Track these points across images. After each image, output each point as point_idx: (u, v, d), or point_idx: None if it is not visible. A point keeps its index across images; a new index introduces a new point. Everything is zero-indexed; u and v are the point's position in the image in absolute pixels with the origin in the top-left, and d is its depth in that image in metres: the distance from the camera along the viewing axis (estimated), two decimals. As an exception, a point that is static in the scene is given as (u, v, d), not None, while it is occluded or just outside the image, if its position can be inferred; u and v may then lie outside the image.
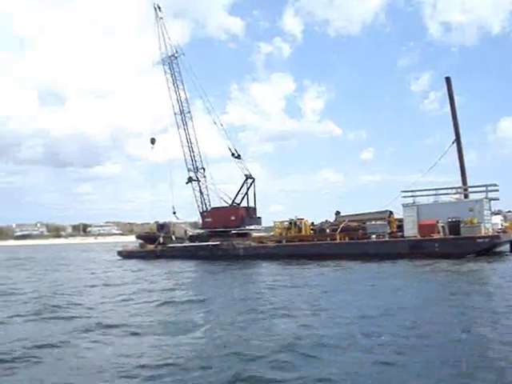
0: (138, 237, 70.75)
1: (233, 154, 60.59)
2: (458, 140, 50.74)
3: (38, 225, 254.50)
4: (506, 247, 44.71)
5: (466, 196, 48.00)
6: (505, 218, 51.98)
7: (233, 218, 58.71)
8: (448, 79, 51.83)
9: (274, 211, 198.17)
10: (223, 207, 61.03)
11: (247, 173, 60.03)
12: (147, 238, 66.67)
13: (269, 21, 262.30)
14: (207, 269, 43.50)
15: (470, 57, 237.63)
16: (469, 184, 49.74)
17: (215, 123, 61.96)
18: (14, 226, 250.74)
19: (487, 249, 41.59)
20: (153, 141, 65.50)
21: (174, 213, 66.02)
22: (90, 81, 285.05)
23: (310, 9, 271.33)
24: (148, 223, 75.59)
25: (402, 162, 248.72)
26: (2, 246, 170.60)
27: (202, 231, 65.71)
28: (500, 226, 46.43)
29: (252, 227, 61.22)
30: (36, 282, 35.67)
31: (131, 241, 78.64)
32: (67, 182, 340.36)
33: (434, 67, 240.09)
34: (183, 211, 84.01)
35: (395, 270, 34.20)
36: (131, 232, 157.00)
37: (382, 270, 34.06)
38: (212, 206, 62.93)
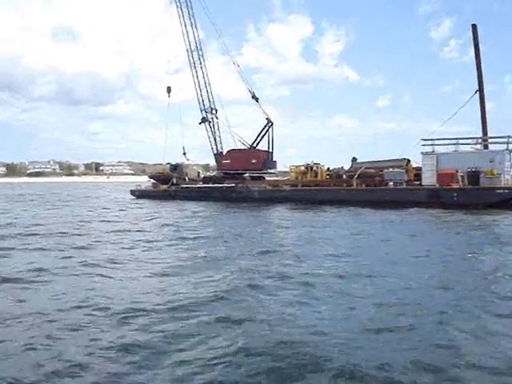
0: (151, 177, 70.73)
1: (253, 96, 59.92)
2: (480, 90, 49.73)
3: (51, 162, 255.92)
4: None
5: (485, 147, 47.46)
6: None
7: (254, 160, 58.45)
8: (474, 27, 50.32)
9: (287, 155, 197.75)
10: (243, 149, 60.67)
11: (267, 116, 59.49)
12: (160, 178, 66.66)
13: None
14: (224, 210, 43.72)
15: (493, 3, 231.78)
16: (489, 135, 49.14)
17: (234, 63, 61.40)
18: (26, 163, 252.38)
19: (506, 200, 41.42)
20: (169, 89, 64.83)
21: (185, 154, 66.11)
22: (104, 18, 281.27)
23: None
24: (160, 164, 75.42)
25: (418, 109, 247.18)
26: (16, 183, 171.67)
27: (215, 173, 65.83)
28: (519, 178, 46.03)
29: (272, 171, 61.22)
30: (58, 217, 36.02)
31: (143, 181, 78.76)
32: (80, 119, 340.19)
33: (456, 14, 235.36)
34: (194, 153, 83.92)
35: (411, 219, 34.01)
36: (143, 172, 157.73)
37: (399, 217, 33.92)
38: (225, 148, 62.70)
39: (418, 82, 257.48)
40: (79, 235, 24.31)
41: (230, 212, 41.20)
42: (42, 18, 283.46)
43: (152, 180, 69.14)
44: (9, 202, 56.30)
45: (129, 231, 25.99)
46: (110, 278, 14.14)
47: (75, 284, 13.33)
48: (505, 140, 44.53)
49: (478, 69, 49.98)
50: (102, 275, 14.39)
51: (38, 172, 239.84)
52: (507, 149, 43.72)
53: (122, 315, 10.24)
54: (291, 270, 14.77)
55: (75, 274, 14.67)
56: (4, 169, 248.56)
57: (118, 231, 26.00)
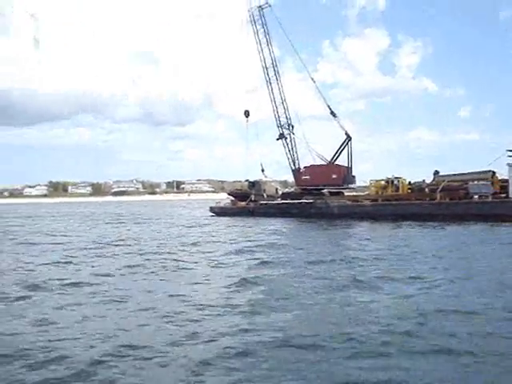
0: (230, 194, 71.66)
1: (331, 112, 59.80)
2: None
3: (134, 181, 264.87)
4: None
5: None
6: None
7: (334, 176, 58.16)
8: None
9: (363, 170, 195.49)
10: (323, 165, 60.48)
11: (346, 131, 59.18)
12: (239, 195, 67.46)
13: None
14: (305, 227, 43.68)
15: None
16: None
17: (311, 79, 61.73)
18: (111, 182, 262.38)
19: None
20: (247, 113, 65.75)
21: (263, 170, 66.50)
22: (182, 41, 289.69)
23: None
24: (239, 181, 76.18)
25: (501, 120, 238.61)
26: (102, 202, 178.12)
27: (293, 189, 65.91)
28: None
29: (353, 186, 60.77)
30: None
31: (222, 198, 79.87)
32: (161, 139, 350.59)
33: None
34: (272, 169, 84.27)
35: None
36: (222, 189, 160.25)
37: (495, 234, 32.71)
38: (302, 164, 62.65)
39: (499, 91, 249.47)
40: (168, 253, 24.94)
41: (313, 229, 41.06)
42: (123, 41, 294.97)
43: (231, 197, 70.03)
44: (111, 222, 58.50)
45: (208, 251, 26.09)
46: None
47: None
48: None
49: None
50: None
51: (122, 191, 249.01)
52: None
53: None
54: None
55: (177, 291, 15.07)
56: (90, 188, 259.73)
57: (197, 250, 26.48)
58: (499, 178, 47.77)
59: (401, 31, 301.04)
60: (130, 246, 28.98)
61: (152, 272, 18.74)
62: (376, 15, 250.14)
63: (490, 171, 48.61)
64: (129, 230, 43.40)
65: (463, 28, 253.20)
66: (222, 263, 20.84)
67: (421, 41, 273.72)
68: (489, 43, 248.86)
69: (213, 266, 20.21)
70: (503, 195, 45.33)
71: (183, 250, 26.13)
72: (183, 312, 12.33)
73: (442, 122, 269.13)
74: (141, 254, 24.25)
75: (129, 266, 20.20)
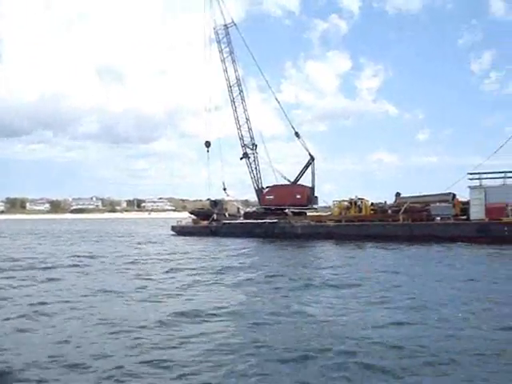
0: (192, 213, 71.03)
1: (296, 133, 60.20)
2: (527, 122, 49.11)
3: (94, 199, 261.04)
4: None
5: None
6: None
7: (298, 196, 58.28)
8: (519, 59, 50.08)
9: (323, 191, 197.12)
10: (287, 185, 60.55)
11: (308, 152, 59.62)
12: (200, 214, 66.90)
13: None
14: (270, 247, 43.52)
15: None
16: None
17: (276, 99, 62.41)
18: (70, 199, 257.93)
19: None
20: (208, 144, 65.27)
21: (225, 189, 66.00)
22: (147, 59, 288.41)
23: None
24: (200, 200, 75.88)
25: (459, 143, 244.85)
26: (59, 219, 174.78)
27: (255, 209, 65.79)
28: None
29: (316, 206, 60.96)
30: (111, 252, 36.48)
31: (184, 217, 79.13)
32: (123, 157, 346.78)
33: (496, 46, 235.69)
34: (234, 189, 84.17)
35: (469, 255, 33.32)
36: (184, 208, 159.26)
37: (453, 254, 33.24)
38: (265, 184, 62.67)
39: (458, 115, 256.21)
40: (123, 271, 24.70)
41: (275, 249, 40.99)
42: (85, 57, 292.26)
43: (192, 216, 69.39)
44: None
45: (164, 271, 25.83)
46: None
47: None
48: (556, 173, 43.60)
49: (523, 101, 49.35)
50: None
51: (81, 209, 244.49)
52: (559, 182, 42.78)
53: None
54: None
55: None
56: (48, 205, 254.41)
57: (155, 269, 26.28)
58: (459, 200, 48.67)
59: (362, 55, 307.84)
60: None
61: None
62: (338, 38, 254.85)
63: (450, 193, 49.44)
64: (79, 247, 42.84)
65: (423, 53, 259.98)
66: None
67: (382, 64, 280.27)
68: (447, 68, 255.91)
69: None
70: (464, 217, 46.14)
71: (128, 269, 25.90)
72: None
73: (402, 145, 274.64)
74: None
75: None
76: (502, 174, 45.58)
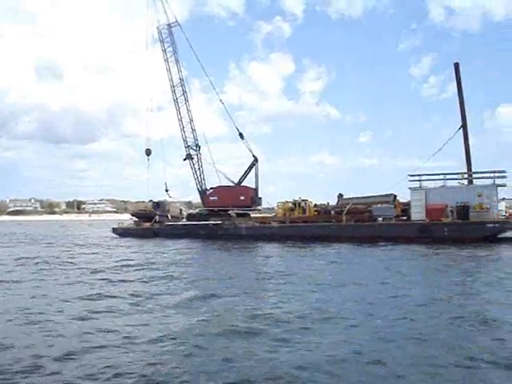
0: (133, 214, 69.78)
1: (240, 134, 60.07)
2: (464, 126, 50.58)
3: (32, 200, 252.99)
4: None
5: (470, 182, 47.97)
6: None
7: (242, 197, 58.15)
8: (457, 65, 51.46)
9: (267, 192, 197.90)
10: (231, 186, 60.33)
11: (253, 153, 59.61)
12: (143, 215, 65.87)
13: None
14: (213, 247, 43.20)
15: (471, 42, 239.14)
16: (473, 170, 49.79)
17: (220, 100, 61.92)
18: (7, 201, 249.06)
19: (496, 234, 42.01)
20: (148, 152, 64.45)
21: (167, 190, 65.33)
22: (88, 56, 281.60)
23: None
24: (143, 201, 74.43)
25: (399, 146, 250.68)
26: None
27: (198, 210, 65.29)
28: (504, 213, 46.56)
29: (260, 207, 61.00)
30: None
31: (125, 219, 77.67)
32: (62, 158, 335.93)
33: (435, 51, 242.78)
34: (176, 190, 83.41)
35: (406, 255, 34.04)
36: (126, 210, 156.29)
37: (394, 254, 33.90)
38: (208, 185, 62.29)
39: (398, 118, 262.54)
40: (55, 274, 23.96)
41: (217, 250, 40.73)
42: (24, 53, 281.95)
43: (134, 218, 68.21)
44: None
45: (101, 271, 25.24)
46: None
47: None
48: (491, 175, 45.12)
49: (461, 105, 50.89)
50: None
51: (19, 210, 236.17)
52: (494, 183, 44.29)
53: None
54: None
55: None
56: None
57: (92, 272, 25.52)
58: (400, 201, 49.78)
59: (305, 57, 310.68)
60: None
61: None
62: (282, 40, 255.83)
63: (391, 194, 50.54)
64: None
65: (365, 56, 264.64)
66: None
67: (324, 67, 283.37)
68: (388, 72, 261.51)
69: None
70: (405, 218, 47.20)
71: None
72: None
73: (344, 147, 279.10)
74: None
75: None
76: (442, 176, 46.98)
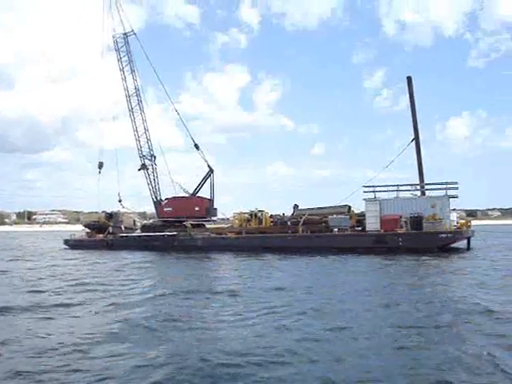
0: (86, 225, 68.23)
1: (195, 145, 59.71)
2: (416, 139, 51.79)
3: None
4: (463, 243, 46.16)
5: (422, 193, 49.08)
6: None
7: (197, 208, 57.66)
8: (409, 79, 52.77)
9: (222, 203, 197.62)
10: (186, 197, 59.77)
11: (208, 164, 59.31)
12: (95, 227, 64.50)
13: (226, 10, 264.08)
14: (170, 260, 42.67)
15: (423, 56, 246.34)
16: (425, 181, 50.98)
17: (176, 110, 61.48)
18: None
19: (448, 244, 43.14)
20: (100, 165, 63.53)
21: (120, 201, 64.30)
22: (40, 64, 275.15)
23: (267, 1, 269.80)
24: (96, 212, 73.06)
25: (353, 157, 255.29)
26: None
27: (152, 221, 64.59)
28: (455, 223, 47.77)
29: (215, 218, 60.66)
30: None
31: (78, 230, 75.85)
32: (13, 167, 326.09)
33: (388, 65, 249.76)
34: (130, 201, 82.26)
35: (364, 266, 34.43)
36: (78, 221, 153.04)
37: (349, 265, 34.14)
38: (163, 196, 61.61)
39: (352, 130, 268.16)
40: None
41: (171, 262, 40.25)
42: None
43: (86, 229, 66.77)
44: None
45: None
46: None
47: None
48: (444, 186, 46.28)
49: (413, 118, 52.17)
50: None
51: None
52: (446, 195, 45.41)
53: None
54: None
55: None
56: None
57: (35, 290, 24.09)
58: (354, 211, 50.51)
59: (261, 69, 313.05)
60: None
61: None
62: (238, 52, 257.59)
63: (346, 205, 51.26)
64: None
65: (319, 69, 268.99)
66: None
67: (280, 79, 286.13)
68: (343, 84, 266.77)
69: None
70: (359, 228, 47.89)
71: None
72: None
73: (299, 158, 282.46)
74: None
75: None
76: (395, 187, 47.97)
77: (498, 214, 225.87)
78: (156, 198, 60.99)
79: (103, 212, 66.63)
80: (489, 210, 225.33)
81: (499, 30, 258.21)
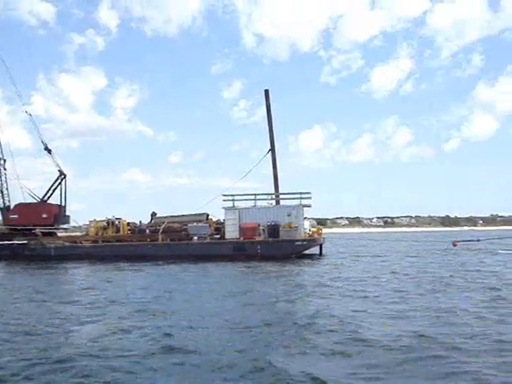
0: None
1: (46, 148, 56.64)
2: (272, 150, 53.72)
3: None
4: (316, 249, 48.76)
5: (277, 202, 51.04)
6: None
7: (45, 215, 54.44)
8: (267, 92, 54.62)
9: (73, 210, 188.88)
10: (32, 203, 56.28)
11: (60, 168, 56.48)
12: None
13: (83, 10, 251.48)
14: (19, 269, 40.39)
15: (280, 70, 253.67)
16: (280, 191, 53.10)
17: (27, 112, 57.65)
18: None
19: (303, 251, 45.37)
20: None
21: None
22: None
23: (128, 4, 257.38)
24: None
25: (210, 166, 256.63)
26: None
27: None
28: (308, 231, 50.16)
29: (65, 226, 57.90)
30: None
31: None
32: None
33: (246, 76, 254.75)
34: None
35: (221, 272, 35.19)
36: None
37: (209, 272, 34.71)
38: (13, 202, 57.83)
39: (209, 139, 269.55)
40: None
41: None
42: None
43: None
44: None
45: None
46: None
47: None
48: (298, 196, 48.46)
49: (270, 130, 54.06)
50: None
51: None
52: (301, 204, 47.62)
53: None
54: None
55: None
56: None
57: None
58: (212, 219, 51.23)
59: (119, 73, 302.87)
60: None
61: None
62: (94, 54, 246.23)
63: (204, 213, 51.77)
64: None
65: (179, 76, 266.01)
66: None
67: (138, 85, 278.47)
68: (201, 93, 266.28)
69: None
70: (218, 236, 48.67)
71: None
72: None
73: (156, 166, 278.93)
74: None
75: None
76: (253, 196, 49.45)
77: (346, 222, 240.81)
78: (4, 204, 57.11)
79: None
80: (337, 218, 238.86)
81: (352, 48, 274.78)
